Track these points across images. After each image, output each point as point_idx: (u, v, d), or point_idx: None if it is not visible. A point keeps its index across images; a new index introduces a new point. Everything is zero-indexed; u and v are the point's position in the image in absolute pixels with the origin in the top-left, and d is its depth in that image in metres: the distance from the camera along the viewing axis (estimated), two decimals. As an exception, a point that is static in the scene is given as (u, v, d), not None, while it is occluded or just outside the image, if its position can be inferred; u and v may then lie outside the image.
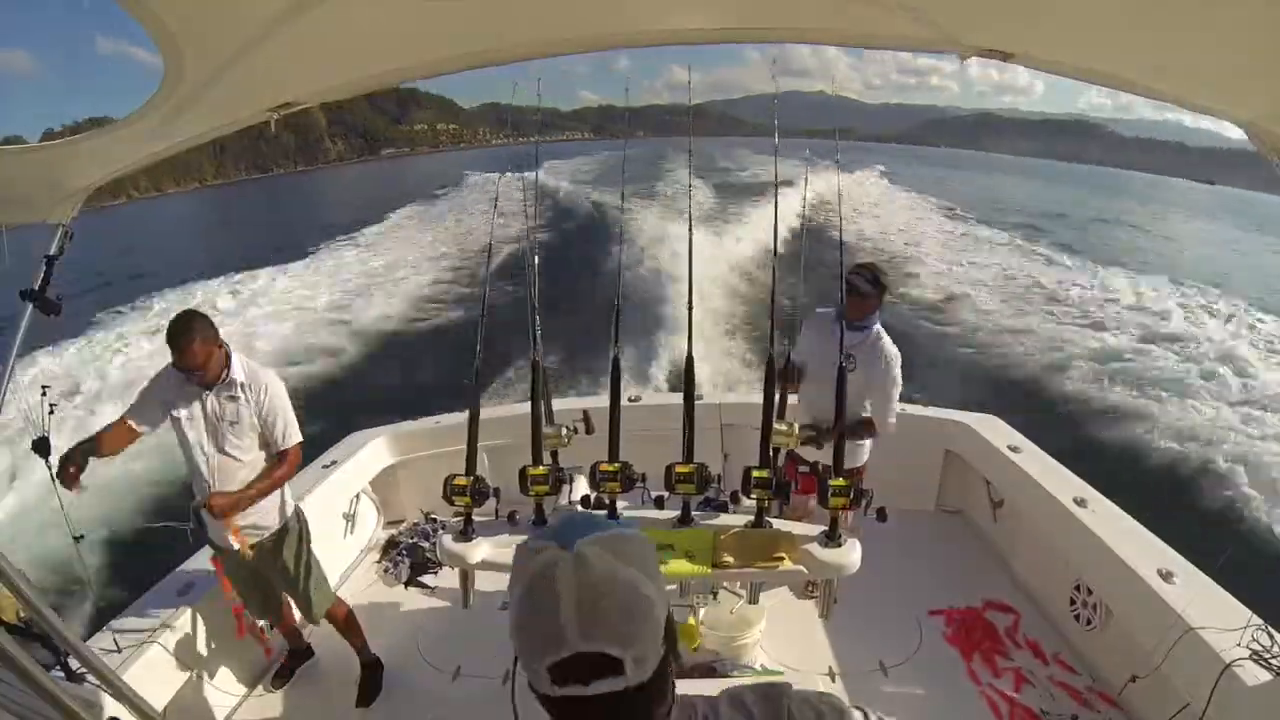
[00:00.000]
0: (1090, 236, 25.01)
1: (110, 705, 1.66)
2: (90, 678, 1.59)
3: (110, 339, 11.79)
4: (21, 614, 1.63)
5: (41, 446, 1.98)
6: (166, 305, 13.78)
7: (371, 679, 2.68)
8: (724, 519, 2.22)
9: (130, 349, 11.03)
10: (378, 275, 15.96)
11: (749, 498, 2.17)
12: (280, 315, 12.86)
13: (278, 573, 2.51)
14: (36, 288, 1.58)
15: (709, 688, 0.73)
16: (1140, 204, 47.28)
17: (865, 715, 0.76)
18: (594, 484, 2.24)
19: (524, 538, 2.23)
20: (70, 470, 2.07)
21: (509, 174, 3.32)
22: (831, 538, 2.04)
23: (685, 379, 2.40)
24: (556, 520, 0.70)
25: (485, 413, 2.49)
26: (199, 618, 2.45)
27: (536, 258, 2.83)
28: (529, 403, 2.42)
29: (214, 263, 18.66)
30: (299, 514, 2.55)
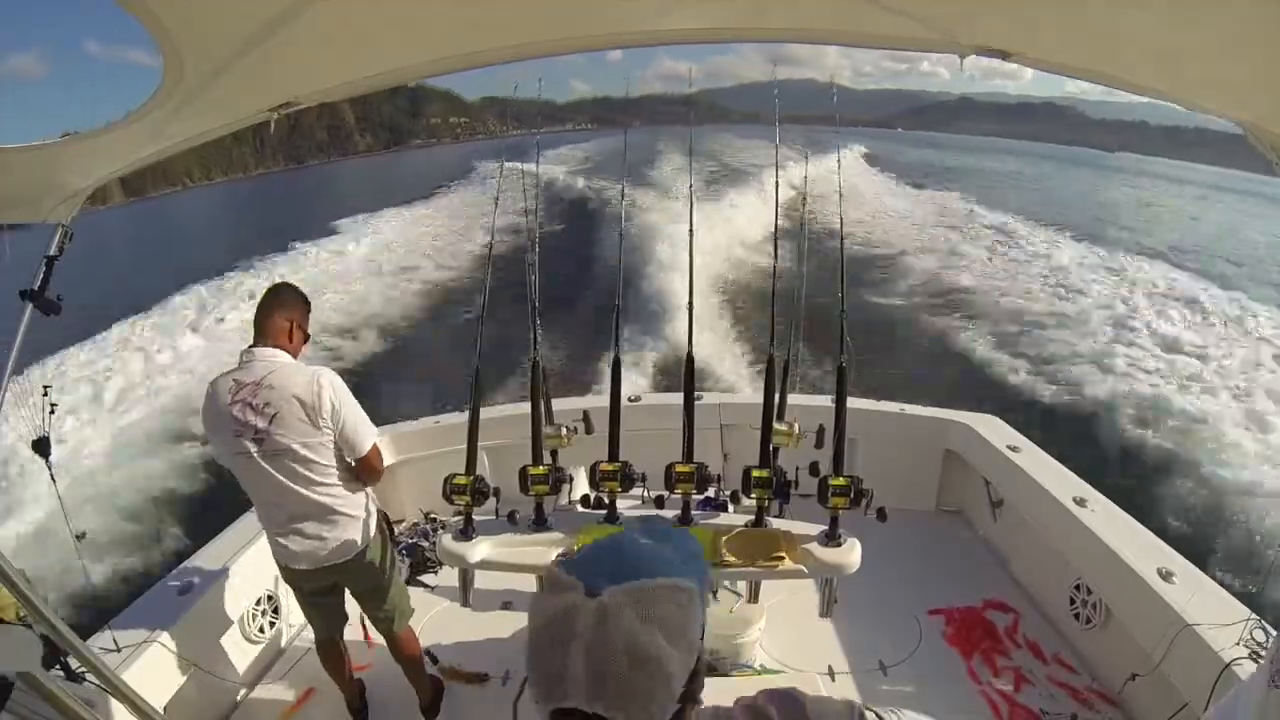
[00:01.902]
0: (1086, 221, 25.25)
1: (110, 705, 1.66)
2: (90, 677, 1.59)
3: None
4: (21, 614, 1.63)
5: (41, 446, 1.98)
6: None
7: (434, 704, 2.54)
8: (724, 519, 2.22)
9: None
10: (376, 271, 15.98)
11: (749, 497, 2.17)
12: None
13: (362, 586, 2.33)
14: (36, 288, 1.58)
15: (708, 686, 0.73)
16: (1101, 177, 50.27)
17: (879, 716, 0.73)
18: (594, 483, 2.24)
19: (524, 537, 2.24)
20: None
21: (508, 169, 3.31)
22: (831, 537, 2.04)
23: (685, 379, 2.40)
24: (593, 548, 0.65)
25: (485, 412, 2.49)
26: (199, 617, 2.45)
27: (537, 256, 2.83)
28: (529, 402, 2.42)
29: (231, 255, 18.91)
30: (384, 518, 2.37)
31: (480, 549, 2.14)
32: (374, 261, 17.31)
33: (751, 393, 3.34)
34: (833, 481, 2.02)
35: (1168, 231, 24.26)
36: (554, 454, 2.34)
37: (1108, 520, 2.64)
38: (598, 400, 3.38)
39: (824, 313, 2.73)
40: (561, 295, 10.73)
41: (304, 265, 16.85)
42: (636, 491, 2.29)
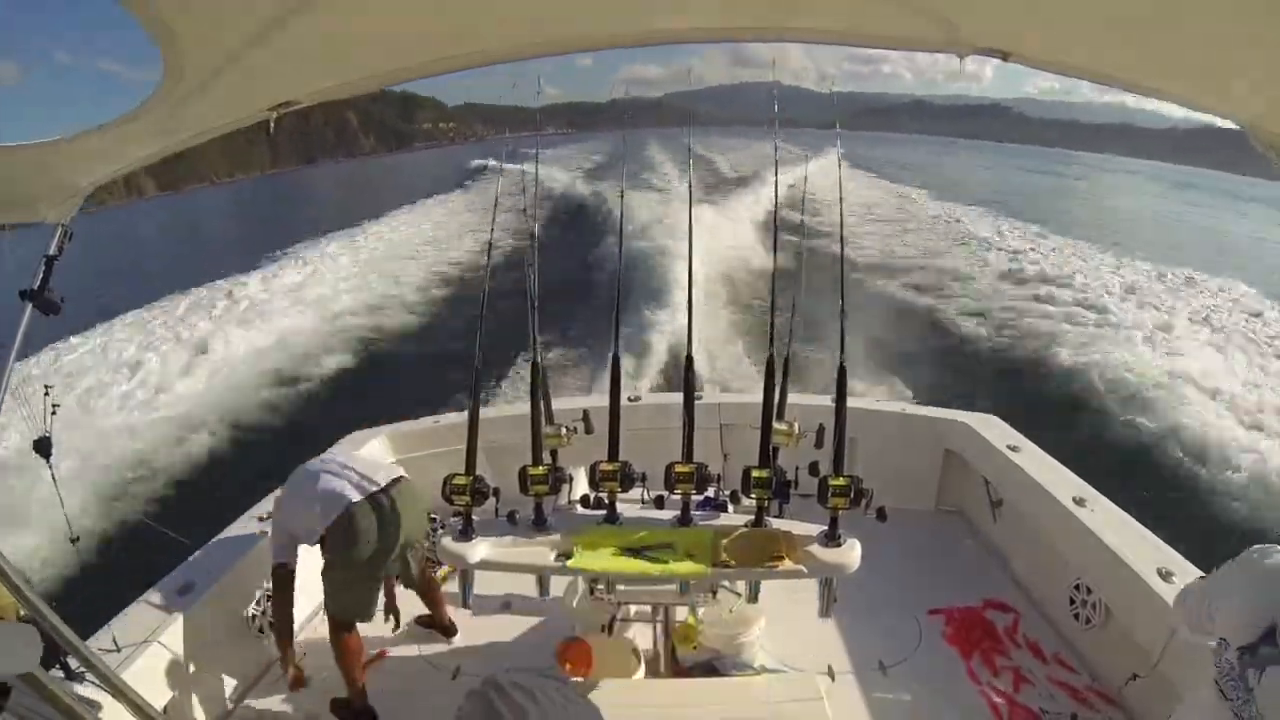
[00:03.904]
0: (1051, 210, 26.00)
1: (110, 705, 1.66)
2: (90, 677, 1.59)
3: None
4: (22, 614, 1.63)
5: (42, 447, 1.98)
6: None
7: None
8: (724, 519, 2.22)
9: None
10: (378, 271, 15.99)
11: (749, 497, 2.17)
12: (288, 312, 12.87)
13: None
14: (36, 288, 1.57)
15: (708, 686, 0.72)
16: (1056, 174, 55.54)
17: None
18: (593, 484, 2.24)
19: (524, 537, 2.24)
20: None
21: (508, 171, 3.32)
22: (831, 537, 2.04)
23: (685, 379, 2.40)
24: None
25: (485, 412, 2.49)
26: (199, 618, 2.45)
27: (536, 257, 2.83)
28: (529, 402, 2.42)
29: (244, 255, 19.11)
30: None
31: (480, 549, 2.14)
32: (374, 261, 17.36)
33: (751, 392, 3.33)
34: (832, 481, 2.02)
35: (1151, 233, 25.07)
36: (554, 454, 2.34)
37: (1107, 520, 2.64)
38: (597, 400, 3.38)
39: (823, 312, 2.73)
40: (561, 296, 10.74)
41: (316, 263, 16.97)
42: (636, 491, 2.29)
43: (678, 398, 2.40)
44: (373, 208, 26.78)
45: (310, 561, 2.77)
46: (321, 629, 2.93)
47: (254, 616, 2.74)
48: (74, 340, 11.14)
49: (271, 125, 1.41)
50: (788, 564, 1.99)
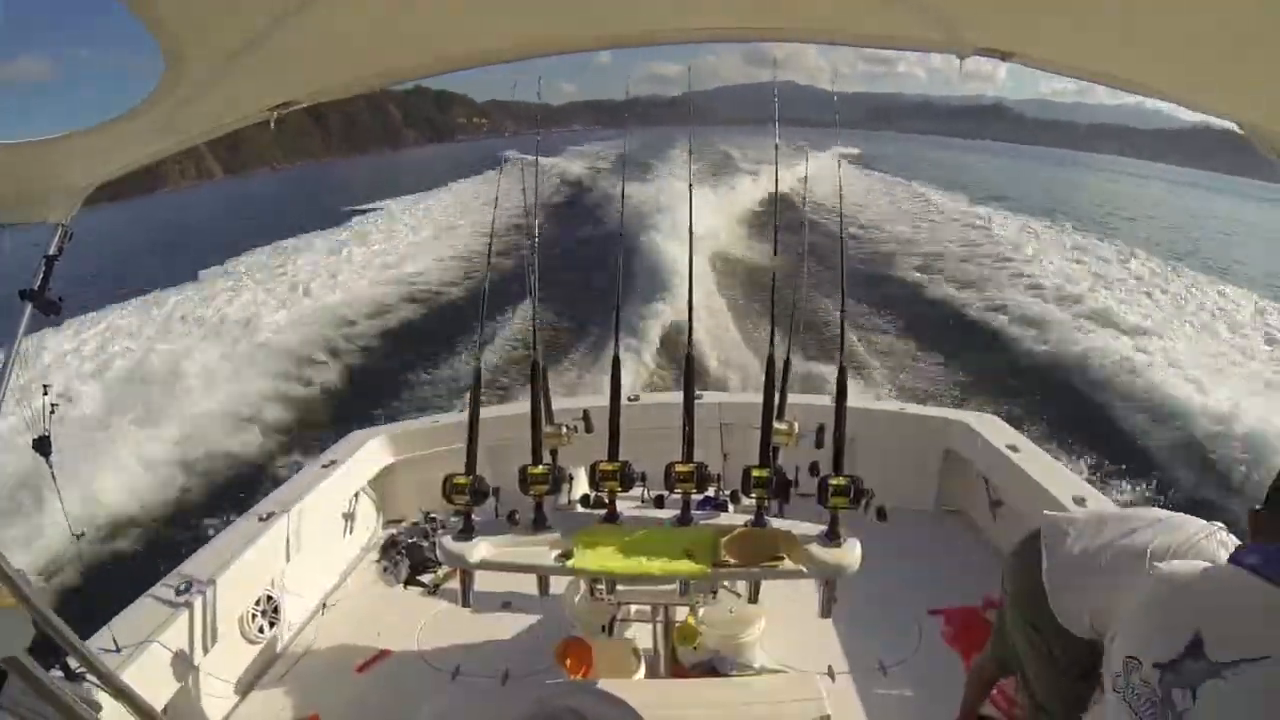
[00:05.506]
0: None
1: (110, 705, 1.66)
2: (90, 677, 1.59)
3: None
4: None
5: (42, 446, 1.97)
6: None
7: None
8: (724, 518, 2.22)
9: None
10: (380, 270, 15.97)
11: (749, 497, 2.17)
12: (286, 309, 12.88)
13: None
14: (36, 288, 1.57)
15: (708, 686, 0.72)
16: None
17: None
18: (594, 483, 2.24)
19: (524, 537, 2.24)
20: None
21: (512, 170, 3.32)
22: (831, 537, 2.04)
23: (685, 378, 2.40)
24: None
25: (485, 412, 2.49)
26: (199, 618, 2.45)
27: (536, 257, 2.83)
28: (529, 402, 2.42)
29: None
30: None
31: (480, 549, 2.14)
32: (380, 257, 17.37)
33: (751, 392, 3.34)
34: (832, 481, 2.01)
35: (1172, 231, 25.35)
36: (554, 453, 2.34)
37: None
38: (598, 399, 3.38)
39: (824, 312, 2.73)
40: (562, 295, 10.74)
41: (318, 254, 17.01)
42: (636, 491, 2.29)
43: (678, 397, 2.41)
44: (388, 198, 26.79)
45: (312, 562, 2.77)
46: (322, 628, 2.94)
47: (253, 616, 2.74)
48: (59, 341, 11.10)
49: (272, 124, 1.41)
50: (788, 564, 1.99)
